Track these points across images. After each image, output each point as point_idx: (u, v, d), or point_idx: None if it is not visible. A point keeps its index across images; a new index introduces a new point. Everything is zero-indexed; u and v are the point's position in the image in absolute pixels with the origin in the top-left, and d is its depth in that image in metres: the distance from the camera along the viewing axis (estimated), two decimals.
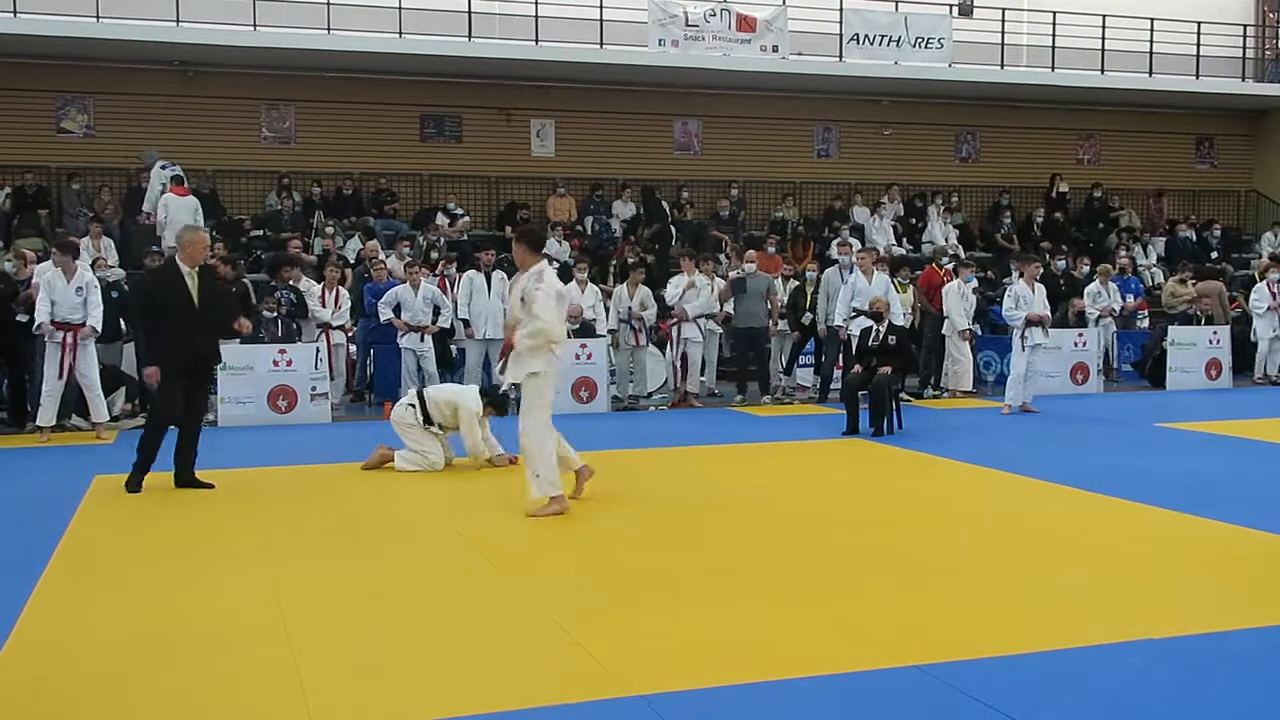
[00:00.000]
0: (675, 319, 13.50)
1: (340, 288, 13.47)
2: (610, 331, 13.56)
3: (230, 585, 5.61)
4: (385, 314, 12.94)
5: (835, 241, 15.93)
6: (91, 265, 12.73)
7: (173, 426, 8.26)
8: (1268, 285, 15.99)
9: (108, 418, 11.09)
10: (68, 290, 10.70)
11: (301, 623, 4.96)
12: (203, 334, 8.17)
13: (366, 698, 4.08)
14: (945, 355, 14.24)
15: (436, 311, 13.01)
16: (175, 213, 14.53)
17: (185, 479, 8.26)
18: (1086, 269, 16.85)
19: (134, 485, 8.11)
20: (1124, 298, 16.29)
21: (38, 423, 10.83)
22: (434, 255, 15.02)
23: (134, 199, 16.13)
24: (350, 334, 13.58)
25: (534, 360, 7.08)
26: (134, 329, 12.21)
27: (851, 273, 13.26)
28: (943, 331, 14.12)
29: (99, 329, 10.85)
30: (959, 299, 13.94)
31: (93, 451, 10.24)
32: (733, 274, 14.24)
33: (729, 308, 13.80)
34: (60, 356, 10.64)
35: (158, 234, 14.79)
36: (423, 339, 12.92)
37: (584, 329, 13.27)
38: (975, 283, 14.52)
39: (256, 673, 4.34)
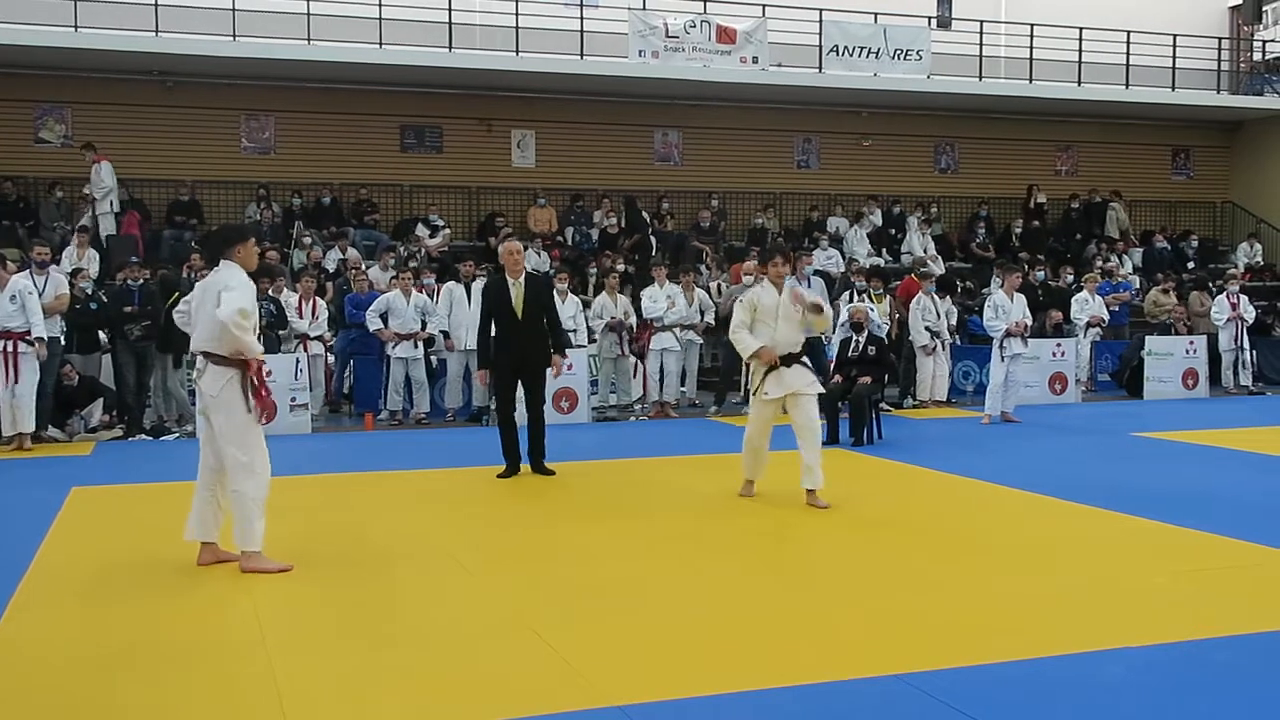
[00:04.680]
0: (654, 329, 13.49)
1: (317, 299, 13.42)
2: (593, 340, 13.53)
3: (208, 598, 5.58)
4: (374, 322, 12.88)
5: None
6: (72, 276, 12.67)
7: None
8: (1227, 297, 16.12)
9: (33, 428, 10.98)
10: (2, 299, 10.80)
11: (280, 635, 4.94)
12: (528, 338, 8.91)
13: (345, 710, 4.06)
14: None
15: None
16: (109, 178, 15.43)
17: (538, 468, 9.06)
18: (1071, 278, 16.95)
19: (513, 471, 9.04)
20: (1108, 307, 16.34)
21: (2, 433, 10.82)
22: (414, 265, 14.99)
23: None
24: (329, 344, 13.53)
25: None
26: (111, 340, 12.14)
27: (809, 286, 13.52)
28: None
29: (44, 337, 10.88)
30: (919, 312, 14.04)
31: (70, 463, 10.16)
32: (739, 290, 14.26)
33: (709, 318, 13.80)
34: (4, 365, 10.69)
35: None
36: (416, 345, 12.88)
37: None
38: (936, 289, 14.50)
39: (234, 686, 4.31)
